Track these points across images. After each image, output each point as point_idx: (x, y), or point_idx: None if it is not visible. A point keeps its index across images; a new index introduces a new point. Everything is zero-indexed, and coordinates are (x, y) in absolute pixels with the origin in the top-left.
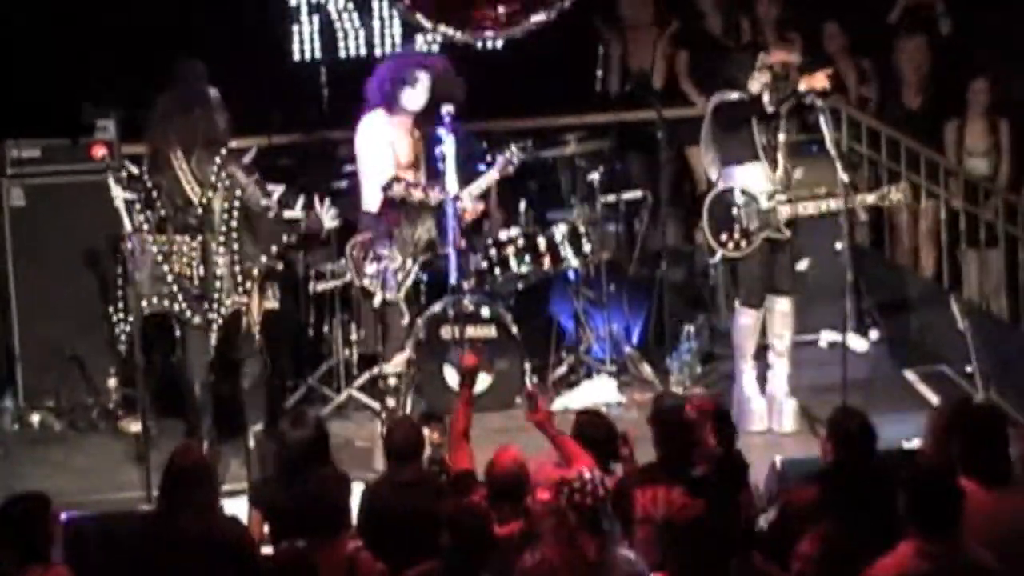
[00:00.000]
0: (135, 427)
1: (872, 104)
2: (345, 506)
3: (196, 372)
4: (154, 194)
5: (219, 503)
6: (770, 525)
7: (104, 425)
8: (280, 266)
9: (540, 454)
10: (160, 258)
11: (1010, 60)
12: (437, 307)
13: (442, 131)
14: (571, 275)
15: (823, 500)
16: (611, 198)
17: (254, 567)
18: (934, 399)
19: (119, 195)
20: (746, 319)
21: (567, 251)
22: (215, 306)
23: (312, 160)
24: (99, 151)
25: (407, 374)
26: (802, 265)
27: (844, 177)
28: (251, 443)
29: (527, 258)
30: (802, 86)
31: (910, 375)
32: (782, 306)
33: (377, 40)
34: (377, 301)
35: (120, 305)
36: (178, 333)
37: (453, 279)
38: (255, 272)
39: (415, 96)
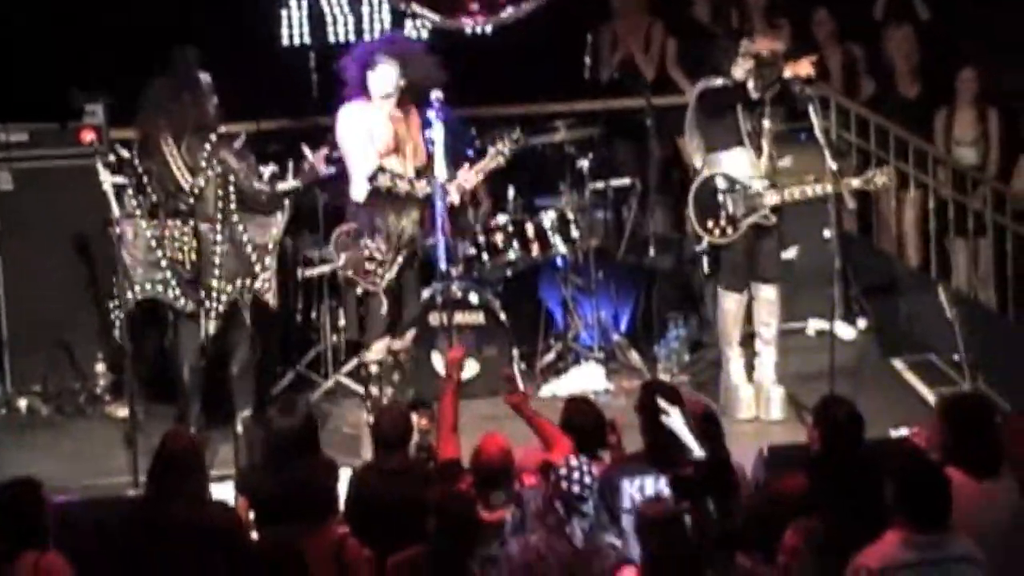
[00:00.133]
0: (122, 412)
1: (869, 93)
2: (332, 492)
3: (186, 357)
4: (145, 179)
5: (208, 489)
6: (757, 514)
7: (92, 410)
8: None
9: (528, 441)
10: (153, 243)
11: (998, 50)
12: (425, 293)
13: (431, 116)
14: (559, 262)
15: (811, 489)
16: (600, 185)
17: (243, 553)
18: (922, 388)
19: (107, 180)
20: (729, 303)
21: (555, 238)
22: (213, 293)
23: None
24: (87, 136)
25: (389, 361)
26: (790, 253)
27: (832, 165)
28: (239, 429)
29: (515, 245)
30: (787, 73)
31: (898, 363)
32: (767, 294)
33: (366, 25)
34: (359, 291)
35: (115, 291)
36: (171, 318)
37: (442, 266)
38: (270, 246)
39: (377, 81)
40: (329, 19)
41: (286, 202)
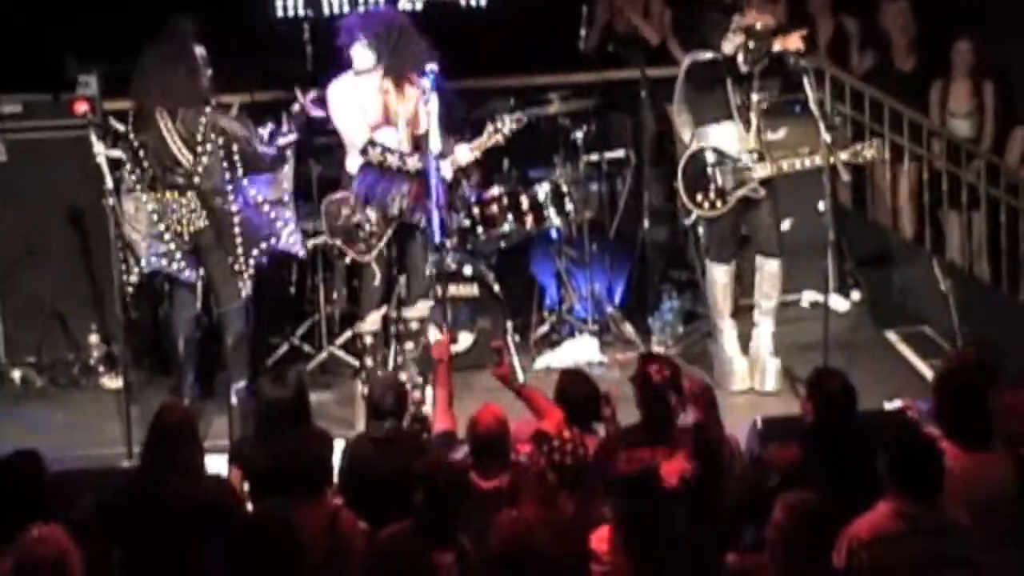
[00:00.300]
0: (116, 383)
1: (868, 65)
2: (326, 464)
3: (181, 328)
4: (141, 153)
5: (203, 461)
6: (750, 486)
7: (85, 381)
8: None
9: (523, 414)
10: (155, 217)
11: (993, 22)
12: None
13: (425, 87)
14: (554, 234)
15: (804, 460)
16: (594, 157)
17: (237, 525)
18: (915, 360)
19: (101, 151)
20: (719, 275)
21: (550, 210)
22: (240, 259)
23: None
24: (81, 107)
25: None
26: (784, 226)
27: (826, 137)
28: (233, 400)
29: (510, 217)
30: (776, 47)
31: (891, 336)
32: (771, 267)
33: None
34: (348, 260)
35: (121, 265)
36: (166, 289)
37: (436, 238)
38: (285, 199)
39: (358, 55)
40: None
41: (288, 153)
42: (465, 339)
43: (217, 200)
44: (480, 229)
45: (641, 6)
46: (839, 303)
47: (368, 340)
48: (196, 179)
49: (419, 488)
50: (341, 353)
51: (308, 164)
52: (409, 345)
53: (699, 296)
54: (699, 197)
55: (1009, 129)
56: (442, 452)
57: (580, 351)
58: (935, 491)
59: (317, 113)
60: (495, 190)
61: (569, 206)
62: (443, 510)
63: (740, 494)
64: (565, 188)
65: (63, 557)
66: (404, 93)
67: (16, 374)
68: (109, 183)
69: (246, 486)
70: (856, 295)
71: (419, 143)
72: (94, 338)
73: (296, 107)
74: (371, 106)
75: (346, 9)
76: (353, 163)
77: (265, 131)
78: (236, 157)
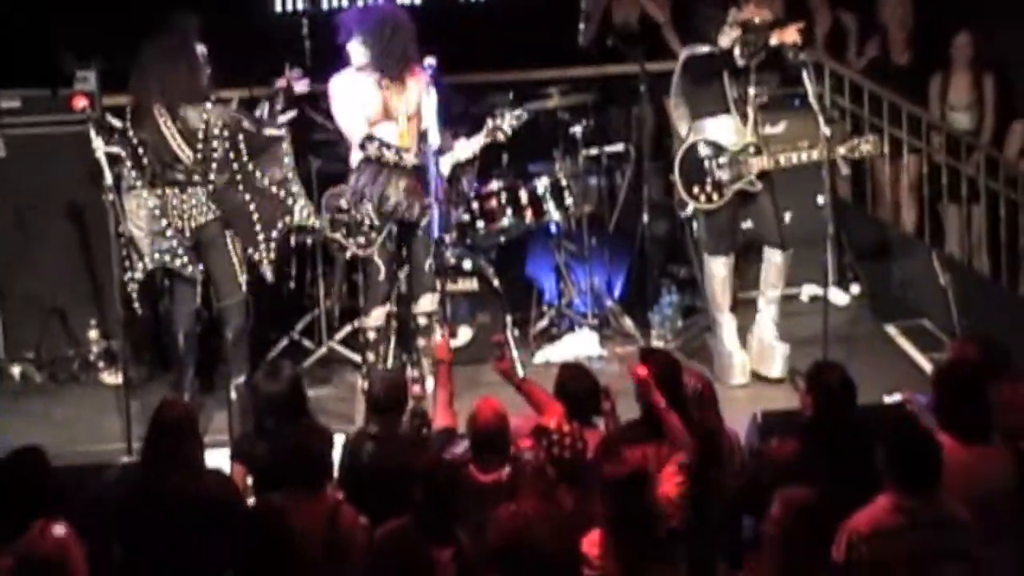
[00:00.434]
0: (116, 379)
1: (864, 62)
2: (326, 459)
3: (181, 323)
4: (140, 150)
5: (203, 457)
6: (750, 480)
7: (85, 377)
8: None
9: (523, 408)
10: (157, 212)
11: (992, 15)
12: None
13: (423, 83)
14: (553, 229)
15: (803, 454)
16: (593, 151)
17: (238, 520)
18: (915, 353)
19: (100, 147)
20: (717, 269)
21: (549, 204)
22: (261, 246)
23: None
24: (80, 102)
25: (386, 329)
26: (784, 219)
27: (826, 131)
28: (233, 395)
29: (509, 211)
30: (773, 40)
31: (891, 329)
32: (777, 258)
33: None
34: (348, 255)
35: (124, 262)
36: (166, 284)
37: (435, 232)
38: (289, 175)
39: (354, 51)
40: None
41: (284, 131)
42: (464, 334)
43: (230, 192)
44: (479, 224)
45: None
46: (838, 297)
47: (371, 335)
48: (197, 176)
49: (417, 485)
50: (341, 348)
51: (308, 159)
52: (420, 341)
53: (699, 290)
54: (696, 190)
55: (1008, 122)
56: (440, 449)
57: (580, 345)
58: (933, 485)
59: (301, 87)
60: (494, 184)
61: (568, 200)
62: (441, 507)
63: (739, 488)
64: (564, 182)
65: (65, 552)
66: (405, 89)
67: (16, 370)
68: (109, 179)
69: (250, 482)
70: (855, 289)
71: (423, 138)
72: (94, 334)
73: (281, 82)
74: (370, 101)
75: (344, 4)
76: (356, 158)
77: (263, 111)
78: (242, 146)
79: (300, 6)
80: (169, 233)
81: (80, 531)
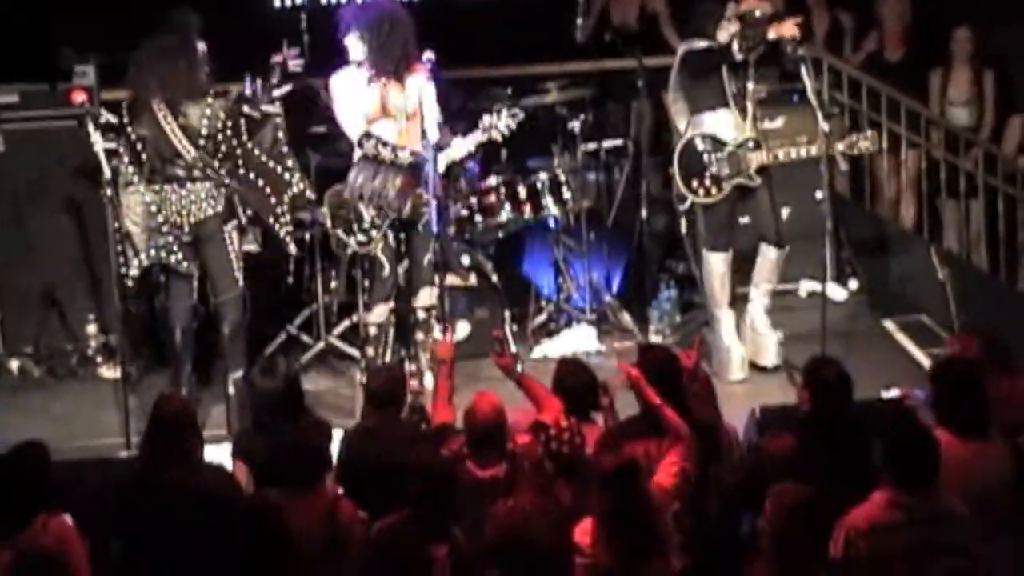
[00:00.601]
0: (114, 373)
1: (860, 59)
2: (324, 453)
3: (178, 318)
4: (139, 146)
5: (202, 452)
6: (748, 475)
7: (83, 371)
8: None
9: (520, 402)
10: (154, 208)
11: (991, 10)
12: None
13: (422, 78)
14: (551, 223)
15: (800, 450)
16: (592, 146)
17: (236, 516)
18: (913, 349)
19: (99, 141)
20: (715, 264)
21: (547, 199)
22: (281, 219)
23: (292, 106)
24: (79, 97)
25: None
26: (782, 214)
27: (824, 126)
28: (231, 390)
29: (507, 206)
30: (771, 34)
31: (889, 325)
32: (773, 255)
33: None
34: (349, 251)
35: (119, 258)
36: (162, 280)
37: (433, 228)
38: (284, 149)
39: (351, 46)
40: None
41: (278, 106)
42: (463, 329)
43: (236, 174)
44: (478, 218)
45: None
46: (837, 292)
47: (372, 331)
48: (198, 172)
49: (414, 480)
50: (339, 343)
51: (307, 153)
52: (419, 336)
53: (697, 285)
54: (695, 184)
55: (1007, 117)
56: (436, 445)
57: (578, 340)
58: (930, 480)
59: (295, 66)
60: (492, 179)
61: (567, 195)
62: (437, 503)
63: (737, 483)
64: (563, 177)
65: (66, 547)
66: (404, 86)
67: (14, 364)
68: (107, 173)
69: (251, 479)
70: (854, 284)
71: (425, 135)
72: (92, 328)
73: (278, 57)
74: (368, 99)
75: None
76: (355, 154)
77: (257, 86)
78: (243, 130)
79: (299, 1)
80: (165, 229)
81: (79, 526)
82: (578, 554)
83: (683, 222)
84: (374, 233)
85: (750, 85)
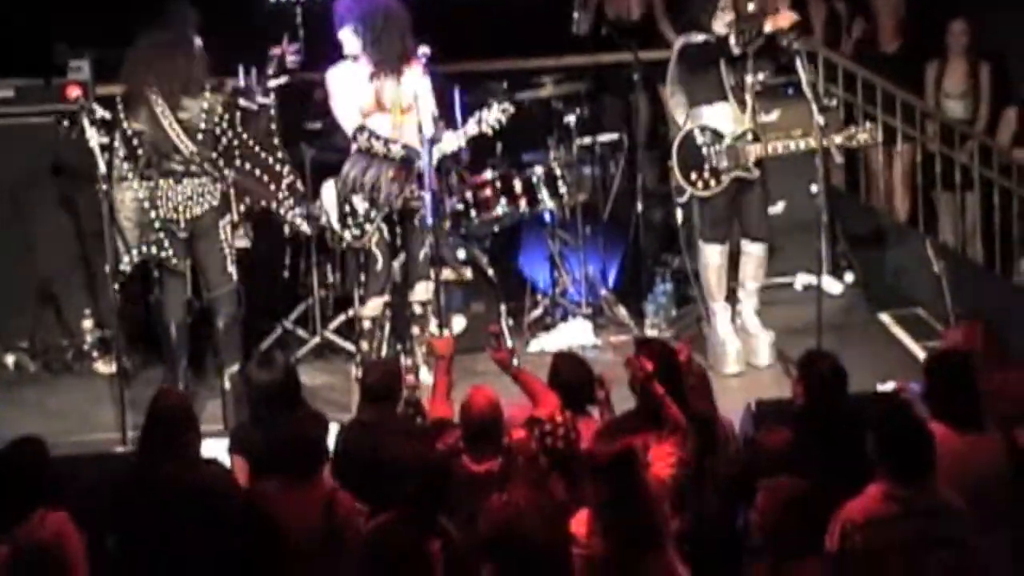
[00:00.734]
0: (110, 368)
1: (851, 41)
2: (320, 444)
3: (173, 313)
4: (135, 141)
5: (200, 447)
6: (744, 469)
7: (79, 366)
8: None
9: (515, 397)
10: (147, 204)
11: (987, 2)
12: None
13: (417, 72)
14: (547, 218)
15: (795, 444)
16: (587, 140)
17: (234, 511)
18: (908, 342)
19: (93, 136)
20: (712, 257)
21: (543, 193)
22: (282, 199)
23: (287, 102)
24: (73, 92)
25: (381, 319)
26: (777, 208)
27: (820, 119)
28: (227, 385)
29: (503, 200)
30: (768, 26)
31: (885, 318)
32: (756, 250)
33: None
34: (344, 245)
35: (108, 253)
36: (156, 275)
37: (428, 222)
38: (276, 140)
39: (346, 41)
40: None
41: (272, 98)
42: (458, 323)
43: (235, 165)
44: (473, 212)
45: None
46: (832, 285)
47: (366, 325)
48: (195, 167)
49: (409, 475)
50: (335, 337)
51: (301, 148)
52: (415, 329)
53: (693, 278)
54: (693, 176)
55: (1002, 110)
56: (431, 440)
57: (574, 334)
58: (924, 473)
59: (293, 61)
60: (488, 173)
61: (562, 189)
62: (428, 500)
63: (733, 477)
64: (558, 171)
65: (64, 541)
66: (400, 80)
67: (9, 359)
68: (102, 168)
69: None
70: (849, 277)
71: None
72: (88, 323)
73: (276, 50)
74: (363, 92)
75: None
76: (353, 148)
77: (251, 80)
78: (238, 121)
79: None
80: (157, 225)
81: (75, 521)
82: (574, 545)
83: (679, 215)
84: (368, 226)
85: (748, 78)
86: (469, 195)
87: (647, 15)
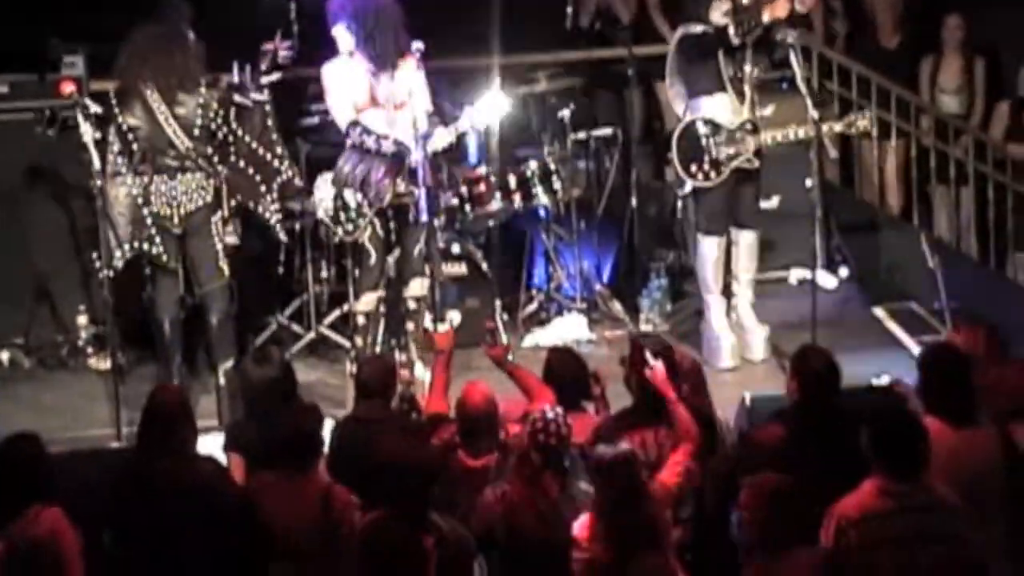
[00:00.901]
0: (105, 364)
1: (840, 39)
2: (317, 437)
3: (166, 310)
4: (129, 136)
5: (196, 444)
6: (738, 464)
7: (74, 363)
8: None
9: (509, 391)
10: (140, 200)
11: None
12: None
13: (412, 67)
14: (542, 213)
15: (788, 439)
16: (581, 135)
17: (229, 507)
18: (903, 336)
19: (88, 132)
20: (710, 249)
21: (538, 188)
22: (269, 202)
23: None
24: (67, 87)
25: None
26: (771, 202)
27: (814, 114)
28: (221, 381)
29: (498, 195)
30: (765, 17)
31: (879, 312)
32: (748, 239)
33: None
34: (336, 239)
35: (101, 249)
36: (148, 271)
37: (423, 217)
38: (274, 136)
39: (340, 37)
40: None
41: (267, 94)
42: (453, 318)
43: (228, 161)
44: (468, 208)
45: None
46: (827, 280)
47: (360, 320)
48: (190, 162)
49: (404, 471)
50: (330, 333)
51: (297, 143)
52: (409, 325)
53: (687, 274)
54: (693, 168)
55: (995, 104)
56: (427, 435)
57: (568, 329)
58: (919, 468)
59: (285, 58)
60: (483, 168)
61: (557, 184)
62: (420, 497)
63: (728, 474)
64: (553, 166)
65: (58, 538)
66: (394, 76)
67: (4, 356)
68: (97, 164)
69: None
70: (844, 271)
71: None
72: (82, 319)
73: (269, 46)
74: (358, 88)
75: None
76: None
77: (245, 75)
78: (232, 117)
79: None
80: (150, 221)
81: (70, 517)
82: (575, 548)
83: (681, 206)
84: (360, 221)
85: (747, 68)
86: (464, 190)
87: (642, 9)
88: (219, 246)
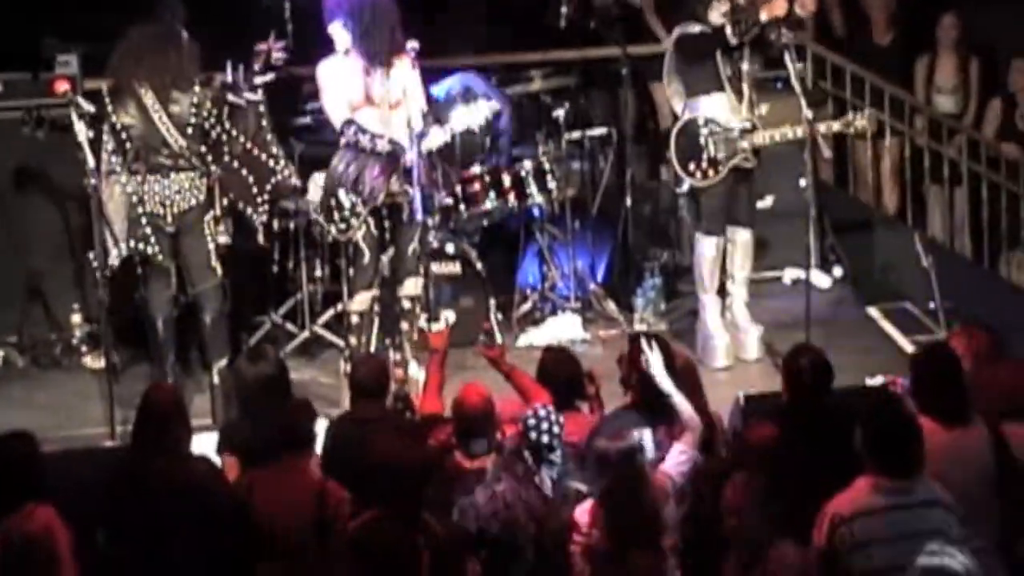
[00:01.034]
0: (98, 363)
1: (837, 35)
2: (310, 430)
3: (159, 309)
4: (123, 135)
5: (190, 443)
6: (729, 463)
7: (68, 361)
8: None
9: (504, 391)
10: (134, 199)
11: None
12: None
13: (406, 66)
14: (536, 212)
15: (781, 438)
16: (576, 135)
17: (223, 507)
18: (897, 336)
19: (82, 131)
20: (708, 248)
21: (532, 188)
22: (258, 204)
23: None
24: (62, 86)
25: (369, 313)
26: (766, 202)
27: (808, 113)
28: (215, 380)
29: (492, 194)
30: (763, 16)
31: (873, 312)
32: (744, 237)
33: None
34: (330, 238)
35: (96, 248)
36: (140, 271)
37: (417, 216)
38: (268, 136)
39: (336, 35)
40: None
41: (261, 94)
42: (447, 317)
43: (221, 161)
44: (462, 207)
45: None
46: (821, 279)
47: (354, 319)
48: (183, 161)
49: (398, 471)
50: (324, 332)
51: (291, 143)
52: (403, 325)
53: (682, 273)
54: (692, 167)
55: (988, 101)
56: (423, 435)
57: (563, 329)
58: (913, 467)
59: (278, 58)
60: (477, 168)
61: (551, 184)
62: (412, 497)
63: (720, 472)
64: (547, 166)
65: (51, 535)
66: (389, 75)
67: None
68: (91, 163)
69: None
70: (838, 271)
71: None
72: (76, 318)
73: (262, 46)
74: (353, 86)
75: None
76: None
77: (239, 75)
78: (225, 116)
79: None
80: (144, 220)
81: (64, 516)
82: (575, 532)
83: (680, 204)
84: (353, 220)
85: (744, 67)
86: (458, 189)
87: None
88: (212, 245)
